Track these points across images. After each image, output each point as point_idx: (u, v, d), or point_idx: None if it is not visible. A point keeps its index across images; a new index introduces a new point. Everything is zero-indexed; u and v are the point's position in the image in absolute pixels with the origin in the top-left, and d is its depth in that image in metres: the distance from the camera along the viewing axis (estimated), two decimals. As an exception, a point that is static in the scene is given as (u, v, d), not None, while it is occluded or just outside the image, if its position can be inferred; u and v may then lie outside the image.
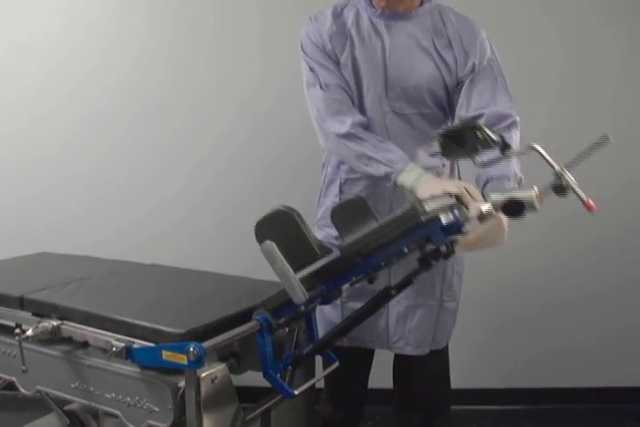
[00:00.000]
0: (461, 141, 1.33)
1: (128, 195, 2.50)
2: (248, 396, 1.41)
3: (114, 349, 1.30)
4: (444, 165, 1.78)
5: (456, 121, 1.61)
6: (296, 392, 1.39)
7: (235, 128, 2.45)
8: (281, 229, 1.24)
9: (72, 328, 1.42)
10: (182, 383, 1.27)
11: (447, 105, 1.72)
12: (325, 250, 1.29)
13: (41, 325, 1.41)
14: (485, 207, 1.34)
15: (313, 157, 2.34)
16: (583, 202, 1.25)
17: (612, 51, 2.39)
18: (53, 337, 1.42)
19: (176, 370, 1.26)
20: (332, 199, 1.80)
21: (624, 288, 2.48)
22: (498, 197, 1.32)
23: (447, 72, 1.66)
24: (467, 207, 1.37)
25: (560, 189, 1.26)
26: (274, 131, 2.44)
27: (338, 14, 1.70)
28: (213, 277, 1.72)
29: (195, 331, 1.28)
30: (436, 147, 1.37)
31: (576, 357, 2.52)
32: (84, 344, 1.42)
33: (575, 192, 1.25)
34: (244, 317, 1.37)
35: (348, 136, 1.61)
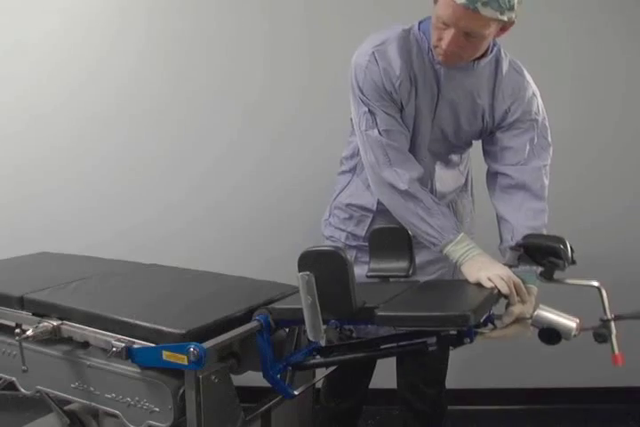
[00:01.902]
0: (538, 258, 1.38)
1: (129, 197, 2.49)
2: (248, 396, 1.41)
3: (114, 349, 1.29)
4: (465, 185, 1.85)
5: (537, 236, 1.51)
6: (296, 393, 1.39)
7: (240, 131, 2.45)
8: (327, 268, 1.20)
9: (72, 328, 1.41)
10: (182, 384, 1.27)
11: (476, 139, 1.74)
12: (362, 302, 1.27)
13: (41, 325, 1.41)
14: (525, 315, 1.36)
15: (321, 161, 2.35)
16: (613, 353, 1.29)
17: (621, 49, 2.40)
18: (53, 337, 1.42)
19: (176, 370, 1.26)
20: (357, 216, 1.79)
21: (624, 285, 2.47)
22: (542, 314, 1.34)
23: (487, 126, 1.65)
24: (506, 301, 1.38)
25: (601, 335, 1.30)
26: (281, 134, 2.44)
27: (403, 54, 1.55)
28: (214, 278, 1.72)
29: (195, 331, 1.28)
30: (512, 257, 1.39)
31: (576, 356, 2.52)
32: (85, 344, 1.41)
33: (611, 343, 1.29)
34: (244, 317, 1.37)
35: (404, 193, 1.55)
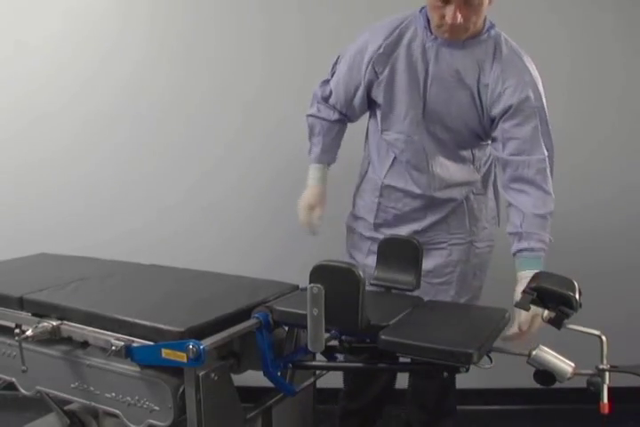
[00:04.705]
0: (549, 303, 1.38)
1: (129, 198, 2.49)
2: (248, 396, 1.41)
3: (113, 348, 1.29)
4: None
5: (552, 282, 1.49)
6: (297, 390, 1.39)
7: (239, 131, 2.44)
8: (340, 284, 1.20)
9: (71, 328, 1.42)
10: (182, 382, 1.27)
11: (482, 133, 1.74)
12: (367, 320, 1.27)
13: (40, 325, 1.41)
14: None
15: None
16: (602, 401, 1.32)
17: (619, 49, 2.40)
18: (53, 337, 1.42)
19: (176, 369, 1.26)
20: (371, 198, 1.87)
21: (625, 285, 2.47)
22: (541, 355, 1.37)
23: (482, 109, 1.66)
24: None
25: (594, 384, 1.33)
26: (280, 132, 2.43)
27: (399, 32, 1.67)
28: (213, 277, 1.72)
29: (194, 329, 1.28)
30: (525, 300, 1.39)
31: (576, 356, 2.51)
32: (84, 344, 1.42)
33: (602, 392, 1.32)
34: (243, 315, 1.37)
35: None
